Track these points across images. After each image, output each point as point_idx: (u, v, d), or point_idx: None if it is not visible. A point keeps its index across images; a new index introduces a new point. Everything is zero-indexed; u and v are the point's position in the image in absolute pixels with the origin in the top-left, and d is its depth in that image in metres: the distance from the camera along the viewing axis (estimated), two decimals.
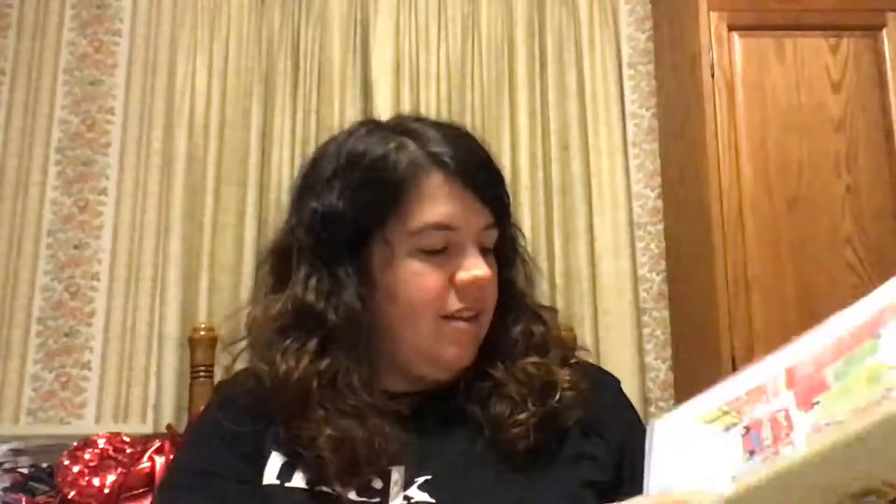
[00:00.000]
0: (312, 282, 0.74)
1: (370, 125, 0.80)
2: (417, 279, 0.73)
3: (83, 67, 2.36)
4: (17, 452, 1.97)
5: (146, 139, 2.31)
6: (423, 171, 0.73)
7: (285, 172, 2.22)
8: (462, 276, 0.73)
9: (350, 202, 0.73)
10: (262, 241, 2.16)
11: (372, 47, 2.32)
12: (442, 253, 0.73)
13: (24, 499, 1.84)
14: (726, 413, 0.59)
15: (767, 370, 0.59)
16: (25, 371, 2.19)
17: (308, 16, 2.36)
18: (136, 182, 2.29)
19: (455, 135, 0.77)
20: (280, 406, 0.71)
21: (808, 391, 0.54)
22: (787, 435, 0.53)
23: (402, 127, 0.78)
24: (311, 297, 0.73)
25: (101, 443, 1.65)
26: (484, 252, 0.75)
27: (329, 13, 2.35)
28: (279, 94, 2.30)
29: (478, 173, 0.74)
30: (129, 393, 2.20)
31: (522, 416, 0.71)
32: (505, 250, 0.80)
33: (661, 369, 2.29)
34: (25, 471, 1.89)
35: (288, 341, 0.73)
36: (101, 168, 2.29)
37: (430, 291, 0.73)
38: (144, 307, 2.23)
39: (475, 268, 0.73)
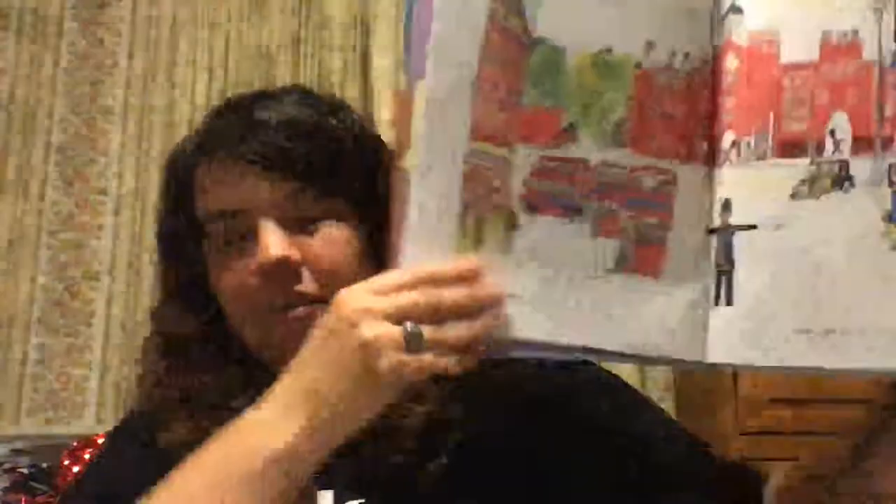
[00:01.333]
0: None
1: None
2: (222, 275, 0.63)
3: (83, 67, 2.30)
4: (17, 452, 1.91)
5: (146, 139, 2.24)
6: (191, 160, 0.65)
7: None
8: (252, 265, 0.61)
9: (165, 216, 0.68)
10: None
11: (372, 48, 2.24)
12: (243, 241, 0.62)
13: (23, 499, 1.77)
14: None
15: None
16: (25, 371, 2.11)
17: (308, 16, 2.30)
18: (136, 181, 2.22)
19: (239, 105, 0.66)
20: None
21: None
22: None
23: (222, 106, 0.69)
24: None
25: (101, 442, 1.57)
26: (303, 222, 0.62)
27: (329, 14, 2.28)
28: None
29: (252, 141, 0.62)
30: (129, 393, 2.13)
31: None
32: (374, 203, 0.62)
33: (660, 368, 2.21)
34: (25, 471, 1.83)
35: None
36: (101, 168, 2.22)
37: (234, 286, 0.62)
38: (145, 308, 2.16)
39: (261, 251, 0.60)
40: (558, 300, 0.52)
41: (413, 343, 0.45)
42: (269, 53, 2.27)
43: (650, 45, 0.53)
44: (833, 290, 0.51)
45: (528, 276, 0.51)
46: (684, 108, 0.54)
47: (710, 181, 0.54)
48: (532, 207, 0.52)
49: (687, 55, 0.53)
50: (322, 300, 0.56)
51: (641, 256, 0.53)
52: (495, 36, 0.51)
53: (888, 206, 0.50)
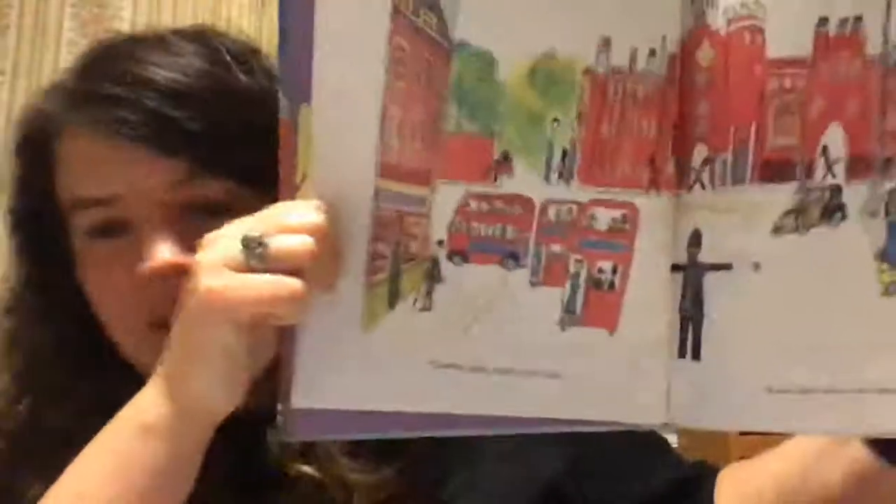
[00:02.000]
0: None
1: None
2: (90, 275, 0.51)
3: None
4: None
5: None
6: (53, 126, 0.51)
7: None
8: (136, 270, 0.49)
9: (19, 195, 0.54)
10: None
11: None
12: (116, 234, 0.50)
13: None
14: None
15: None
16: None
17: None
18: None
19: (118, 55, 0.52)
20: None
21: None
22: None
23: (93, 55, 0.55)
24: None
25: None
26: (199, 213, 0.49)
27: None
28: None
29: (133, 107, 0.48)
30: None
31: None
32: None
33: None
34: None
35: None
36: None
37: (105, 291, 0.51)
38: None
39: (150, 255, 0.48)
40: (491, 363, 0.42)
41: (251, 250, 0.37)
42: (269, 54, 2.04)
43: (605, 43, 0.40)
44: (815, 344, 0.42)
45: (453, 338, 0.41)
46: (650, 121, 0.42)
47: (676, 207, 0.44)
48: (459, 256, 0.41)
49: (653, 51, 0.41)
50: None
51: (593, 308, 0.42)
52: (402, 40, 0.38)
53: (882, 241, 0.41)
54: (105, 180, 0.50)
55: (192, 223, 0.49)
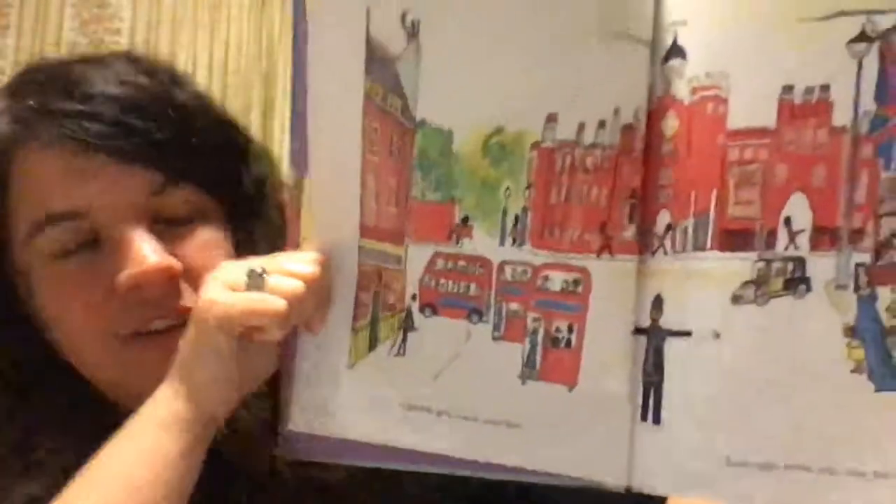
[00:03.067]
0: None
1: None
2: (62, 295, 0.48)
3: None
4: None
5: None
6: (14, 143, 0.48)
7: (285, 172, 2.17)
8: (121, 278, 0.46)
9: None
10: None
11: None
12: (89, 249, 0.48)
13: None
14: None
15: None
16: None
17: None
18: None
19: (59, 74, 0.50)
20: None
21: None
22: None
23: (25, 78, 0.53)
24: None
25: None
26: (171, 223, 0.49)
27: None
28: (279, 94, 2.21)
29: (95, 120, 0.47)
30: None
31: None
32: (241, 201, 0.52)
33: None
34: None
35: None
36: None
37: (81, 309, 0.48)
38: None
39: (135, 262, 0.46)
40: (461, 411, 0.44)
41: (252, 280, 0.42)
42: (269, 53, 2.22)
43: (552, 119, 0.42)
44: (777, 419, 0.40)
45: (423, 382, 0.44)
46: (601, 190, 0.42)
47: (639, 272, 0.43)
48: (430, 308, 0.44)
49: (602, 123, 0.42)
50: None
51: (552, 363, 0.43)
52: (375, 123, 0.43)
53: (852, 317, 0.38)
54: (78, 192, 0.47)
55: (169, 229, 0.49)
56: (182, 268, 0.48)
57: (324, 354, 0.45)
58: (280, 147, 2.13)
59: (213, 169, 0.50)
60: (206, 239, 0.50)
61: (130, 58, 0.52)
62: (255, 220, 0.53)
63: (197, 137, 0.49)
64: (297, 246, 0.46)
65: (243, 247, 0.50)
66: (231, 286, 0.43)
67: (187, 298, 0.48)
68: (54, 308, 0.50)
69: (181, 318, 0.46)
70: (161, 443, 0.43)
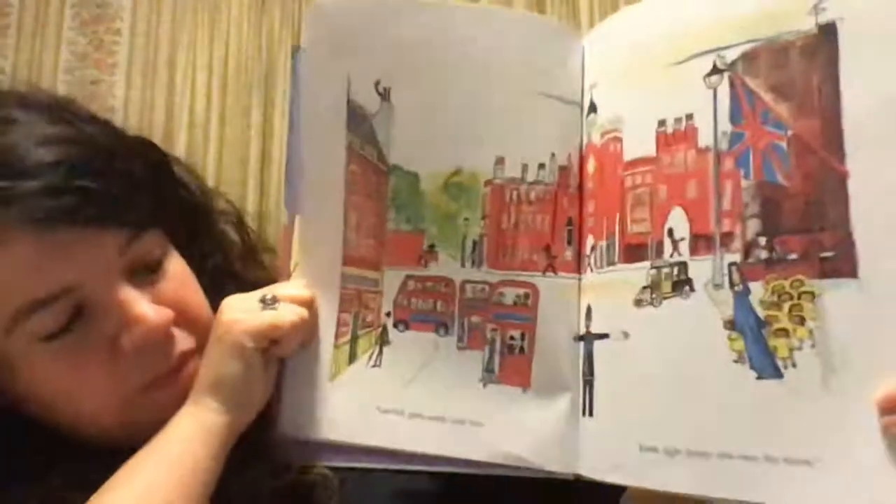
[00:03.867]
0: None
1: None
2: (63, 373, 0.48)
3: (83, 67, 2.23)
4: None
5: (146, 136, 2.07)
6: None
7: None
8: (125, 343, 0.48)
9: None
10: None
11: None
12: (79, 320, 0.48)
13: None
14: None
15: None
16: None
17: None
18: None
19: (37, 139, 0.47)
20: None
21: None
22: None
23: None
24: None
25: None
26: (146, 269, 0.50)
27: None
28: (279, 94, 2.13)
29: (58, 195, 0.45)
30: None
31: None
32: (187, 231, 0.55)
33: None
34: None
35: None
36: None
37: (95, 377, 0.48)
38: None
39: (135, 322, 0.48)
40: (430, 412, 0.52)
41: (266, 305, 0.49)
42: (269, 53, 2.18)
43: (500, 161, 0.52)
44: (677, 408, 0.43)
45: (397, 389, 0.52)
46: (544, 218, 0.51)
47: (578, 288, 0.50)
48: (403, 324, 0.53)
49: (542, 165, 0.51)
50: (201, 348, 0.50)
51: (508, 367, 0.51)
52: (355, 167, 0.54)
53: (731, 311, 0.42)
54: (57, 271, 0.46)
55: (146, 276, 0.50)
56: (173, 315, 0.50)
57: (308, 368, 0.52)
58: (280, 149, 2.07)
59: (152, 199, 0.51)
60: (176, 272, 0.52)
61: (29, 103, 0.50)
62: (201, 230, 0.57)
63: (133, 176, 0.50)
64: (289, 275, 0.54)
65: (198, 260, 0.54)
66: (246, 311, 0.49)
67: (182, 342, 0.51)
68: (54, 385, 0.49)
69: (186, 360, 0.50)
70: (189, 454, 0.46)
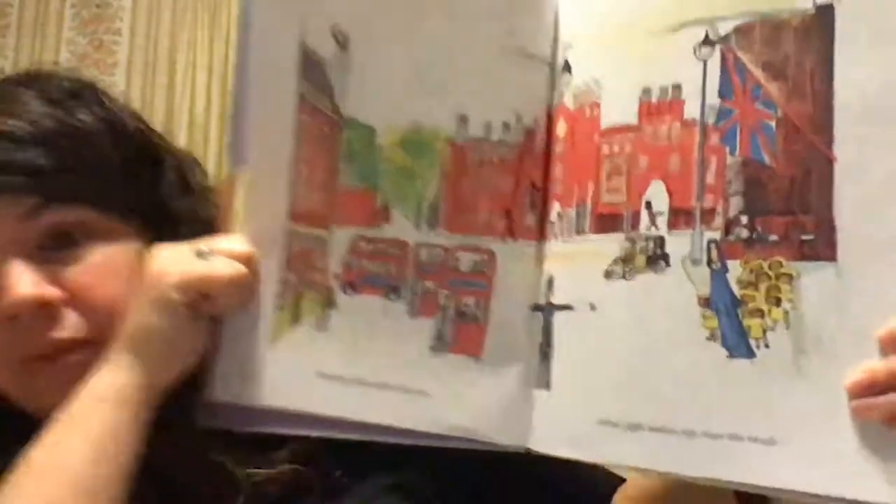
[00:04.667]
0: None
1: None
2: None
3: (83, 66, 2.23)
4: None
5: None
6: None
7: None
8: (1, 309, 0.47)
9: None
10: None
11: None
12: None
13: None
14: None
15: None
16: None
17: None
18: None
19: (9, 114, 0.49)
20: None
21: None
22: None
23: None
24: None
25: None
26: (58, 247, 0.48)
27: None
28: None
29: None
30: None
31: None
32: (154, 212, 0.52)
33: None
34: None
35: None
36: None
37: None
38: None
39: (6, 294, 0.47)
40: (374, 379, 0.48)
41: (201, 256, 0.45)
42: None
43: (462, 119, 0.48)
44: (643, 383, 0.43)
45: (343, 355, 0.48)
46: (506, 181, 0.48)
47: (539, 256, 0.48)
48: (350, 287, 0.49)
49: (507, 125, 0.48)
50: (96, 342, 0.47)
51: (461, 336, 0.48)
52: (306, 117, 0.49)
53: (707, 289, 0.41)
54: None
55: (54, 253, 0.49)
56: (59, 296, 0.48)
57: (247, 330, 0.47)
58: None
59: (114, 187, 0.50)
60: (100, 260, 0.49)
61: (37, 82, 0.53)
62: (182, 228, 0.52)
63: (93, 157, 0.50)
64: (231, 229, 0.48)
65: None
66: (177, 261, 0.45)
67: (69, 326, 0.48)
68: None
69: (67, 348, 0.47)
70: (102, 416, 0.44)
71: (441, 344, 0.49)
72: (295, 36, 0.47)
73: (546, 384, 0.46)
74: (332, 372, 0.48)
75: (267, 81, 0.48)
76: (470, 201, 0.48)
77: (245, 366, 0.48)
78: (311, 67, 0.48)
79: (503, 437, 0.47)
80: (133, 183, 0.51)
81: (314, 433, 0.48)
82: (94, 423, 0.44)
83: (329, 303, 0.49)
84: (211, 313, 0.46)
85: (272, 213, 0.48)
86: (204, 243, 0.46)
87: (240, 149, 0.49)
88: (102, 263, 0.49)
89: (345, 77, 0.48)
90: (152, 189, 0.53)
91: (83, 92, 0.53)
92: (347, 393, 0.48)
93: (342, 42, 0.48)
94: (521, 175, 0.48)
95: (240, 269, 0.46)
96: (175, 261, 0.46)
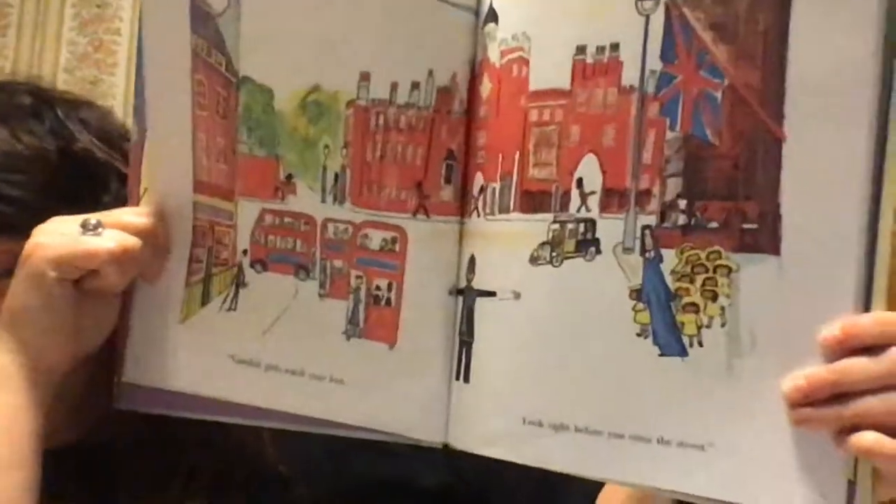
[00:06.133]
0: None
1: None
2: None
3: (83, 67, 2.20)
4: None
5: None
6: None
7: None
8: None
9: None
10: None
11: None
12: None
13: None
14: None
15: None
16: None
17: None
18: None
19: None
20: None
21: None
22: None
23: None
24: None
25: None
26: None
27: None
28: None
29: None
30: None
31: None
32: None
33: None
34: None
35: None
36: None
37: None
38: None
39: None
40: (288, 365, 0.45)
41: (87, 230, 0.42)
42: None
43: (365, 78, 0.42)
44: (569, 380, 0.39)
45: (253, 337, 0.45)
46: (415, 150, 0.43)
47: (458, 235, 0.44)
48: (259, 264, 0.45)
49: (416, 85, 0.42)
50: None
51: (373, 321, 0.44)
52: (201, 76, 0.44)
53: (639, 280, 0.37)
54: None
55: None
56: None
57: (157, 308, 0.46)
58: None
59: (51, 213, 0.46)
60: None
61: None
62: None
63: (29, 184, 0.48)
64: (137, 201, 0.46)
65: None
66: (59, 235, 0.43)
67: None
68: None
69: None
70: None
71: (354, 329, 0.44)
72: None
73: (465, 377, 0.43)
74: (244, 356, 0.45)
75: (158, 36, 0.44)
76: (376, 172, 0.43)
77: (156, 347, 0.46)
78: (201, 19, 0.43)
79: (419, 432, 0.44)
80: (75, 205, 0.47)
81: (225, 419, 0.46)
82: None
83: (239, 281, 0.45)
84: (101, 289, 0.44)
85: (176, 183, 0.45)
86: (94, 216, 0.43)
87: (141, 113, 0.45)
88: None
89: (237, 30, 0.43)
90: (94, 209, 0.47)
91: (40, 108, 0.51)
92: (261, 378, 0.45)
93: None
94: (433, 142, 0.43)
95: (127, 241, 0.43)
96: (54, 235, 0.43)
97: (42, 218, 0.45)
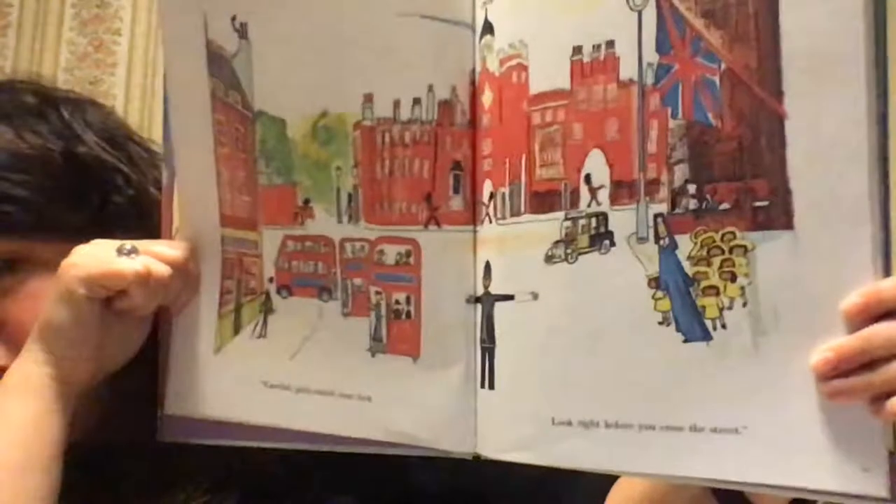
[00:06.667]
0: None
1: None
2: None
3: (83, 66, 2.20)
4: None
5: (146, 137, 2.22)
6: None
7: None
8: None
9: None
10: None
11: None
12: None
13: None
14: None
15: None
16: None
17: None
18: None
19: None
20: None
21: None
22: None
23: None
24: None
25: None
26: None
27: None
28: None
29: None
30: None
31: None
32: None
33: None
34: None
35: None
36: None
37: None
38: None
39: None
40: (317, 386, 0.45)
41: (122, 254, 0.45)
42: None
43: (367, 98, 0.44)
44: (594, 376, 0.39)
45: (282, 361, 0.46)
46: (422, 164, 0.44)
47: (471, 243, 0.44)
48: (285, 290, 0.46)
49: (417, 100, 0.43)
50: None
51: (395, 335, 0.44)
52: (221, 116, 0.46)
53: (655, 268, 0.38)
54: None
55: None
56: None
57: (192, 341, 0.48)
58: None
59: (55, 213, 0.48)
60: (34, 291, 0.48)
61: (4, 93, 0.52)
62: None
63: (34, 184, 0.48)
64: (170, 237, 0.49)
65: None
66: (93, 256, 0.45)
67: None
68: None
69: None
70: (15, 405, 0.44)
71: (378, 345, 0.45)
72: (199, 32, 0.45)
73: (490, 383, 0.43)
74: (276, 380, 0.46)
75: (180, 82, 0.47)
76: (386, 188, 0.44)
77: (192, 377, 0.47)
78: (218, 63, 0.45)
79: (448, 442, 0.43)
80: (79, 205, 0.49)
81: (262, 444, 0.47)
82: (8, 411, 0.44)
83: (267, 308, 0.47)
84: (129, 310, 0.46)
85: (204, 219, 0.47)
86: (129, 243, 0.45)
87: (169, 157, 0.48)
88: (35, 294, 0.48)
89: (250, 69, 0.45)
90: (101, 210, 0.50)
91: (44, 108, 0.51)
92: (292, 401, 0.46)
93: (242, 32, 0.45)
94: (439, 154, 0.43)
95: (155, 266, 0.45)
96: (89, 256, 0.45)
97: (46, 217, 0.47)
